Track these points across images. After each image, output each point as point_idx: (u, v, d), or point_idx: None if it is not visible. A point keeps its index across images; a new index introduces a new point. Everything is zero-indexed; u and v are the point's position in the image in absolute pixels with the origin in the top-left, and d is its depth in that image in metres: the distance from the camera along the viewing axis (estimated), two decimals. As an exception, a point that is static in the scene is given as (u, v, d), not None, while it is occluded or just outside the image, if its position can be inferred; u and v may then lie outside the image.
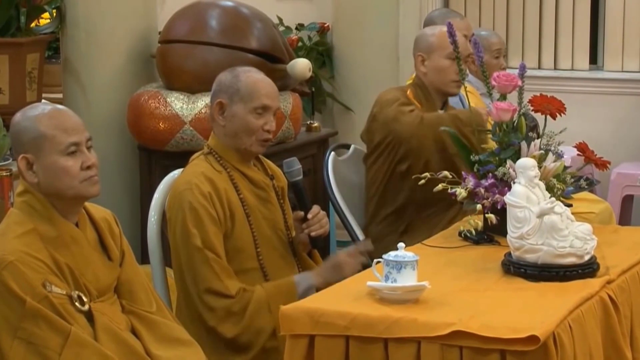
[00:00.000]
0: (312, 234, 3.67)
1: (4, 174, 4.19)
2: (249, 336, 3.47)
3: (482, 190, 3.67)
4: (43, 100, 5.36)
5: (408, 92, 4.39)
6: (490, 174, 3.70)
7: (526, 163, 3.44)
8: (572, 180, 3.75)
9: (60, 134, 2.90)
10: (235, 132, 3.60)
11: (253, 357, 3.48)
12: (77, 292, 2.91)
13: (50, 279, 2.86)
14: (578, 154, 3.90)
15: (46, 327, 2.80)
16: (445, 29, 4.34)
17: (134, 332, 3.03)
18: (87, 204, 3.03)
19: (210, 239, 3.47)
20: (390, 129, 4.32)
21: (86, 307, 2.92)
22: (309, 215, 3.68)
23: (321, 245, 3.77)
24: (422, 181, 3.90)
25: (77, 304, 2.90)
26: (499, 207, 3.61)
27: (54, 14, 5.49)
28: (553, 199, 3.39)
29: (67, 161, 2.91)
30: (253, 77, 3.63)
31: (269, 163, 3.78)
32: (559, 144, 3.76)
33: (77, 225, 2.99)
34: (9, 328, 2.80)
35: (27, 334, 2.79)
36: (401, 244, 3.15)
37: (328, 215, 3.78)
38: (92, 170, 2.94)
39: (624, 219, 6.09)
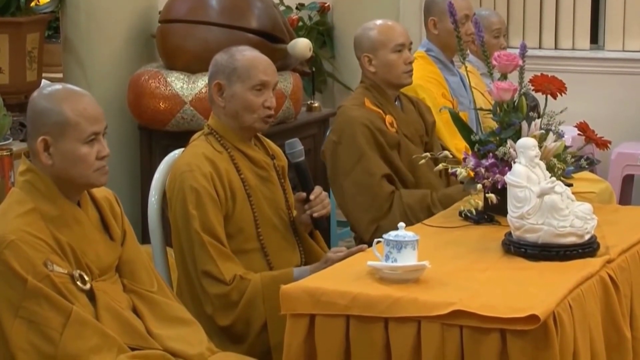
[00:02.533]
0: (315, 214, 3.67)
1: (5, 153, 4.19)
2: (241, 326, 3.48)
3: (483, 170, 3.67)
4: (44, 81, 5.36)
5: (365, 101, 4.25)
6: (490, 154, 3.70)
7: (527, 143, 3.44)
8: (573, 159, 3.75)
9: (84, 122, 2.91)
10: (236, 112, 3.60)
11: (248, 346, 3.47)
12: (78, 271, 2.92)
13: (52, 258, 2.86)
14: (578, 134, 3.90)
15: (48, 306, 2.81)
16: (382, 21, 4.35)
17: (135, 311, 3.04)
18: None
19: (210, 221, 3.47)
20: (355, 188, 4.17)
21: (87, 286, 2.92)
22: (311, 196, 3.67)
23: (324, 226, 3.77)
24: (422, 161, 3.91)
25: (78, 283, 2.90)
26: (499, 187, 3.62)
27: (54, -6, 5.48)
28: (553, 178, 3.39)
29: (85, 149, 2.91)
30: (249, 55, 3.62)
31: (269, 143, 3.78)
32: (559, 124, 3.75)
33: (79, 204, 2.99)
34: (11, 307, 2.80)
35: (28, 313, 2.80)
36: (401, 224, 3.15)
37: (329, 196, 3.78)
38: (104, 160, 2.96)
39: (624, 199, 6.10)
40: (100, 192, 3.08)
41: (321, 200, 3.67)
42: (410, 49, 4.32)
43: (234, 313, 3.47)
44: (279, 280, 3.44)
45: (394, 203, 4.14)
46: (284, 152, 3.77)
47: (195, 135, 3.69)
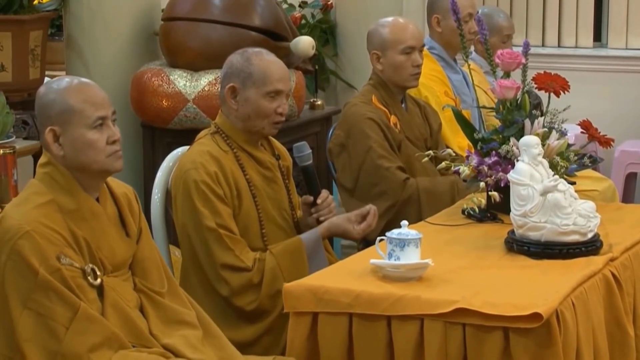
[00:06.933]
0: (322, 218, 3.68)
1: (8, 151, 4.19)
2: (267, 303, 3.50)
3: (486, 168, 3.67)
4: (47, 78, 5.36)
5: (373, 98, 4.27)
6: (493, 152, 3.70)
7: (530, 141, 3.43)
8: (576, 158, 3.75)
9: (88, 108, 2.91)
10: (247, 116, 3.60)
11: (270, 323, 3.50)
12: (91, 265, 2.91)
13: (66, 251, 2.86)
14: (582, 132, 3.90)
15: (56, 299, 2.81)
16: (397, 20, 4.34)
17: (142, 310, 3.04)
18: (109, 178, 3.04)
19: (219, 214, 3.49)
20: (368, 180, 4.18)
21: (98, 281, 2.92)
22: (318, 200, 3.68)
23: None
24: (426, 159, 3.91)
25: (89, 278, 2.90)
26: (502, 185, 3.62)
27: (57, -9, 5.48)
28: (556, 176, 3.39)
29: (94, 135, 2.91)
30: (265, 61, 3.61)
31: (275, 142, 3.78)
32: (562, 122, 3.75)
33: (97, 199, 2.99)
34: (20, 297, 2.80)
35: (37, 305, 2.80)
36: (404, 222, 3.15)
37: (331, 193, 3.78)
38: (116, 145, 2.95)
39: (628, 197, 6.10)
40: (120, 188, 3.08)
41: (328, 204, 3.69)
42: (421, 51, 4.30)
43: (259, 294, 3.48)
44: (290, 247, 3.53)
45: (409, 188, 4.13)
46: (290, 152, 3.77)
47: (202, 133, 3.69)
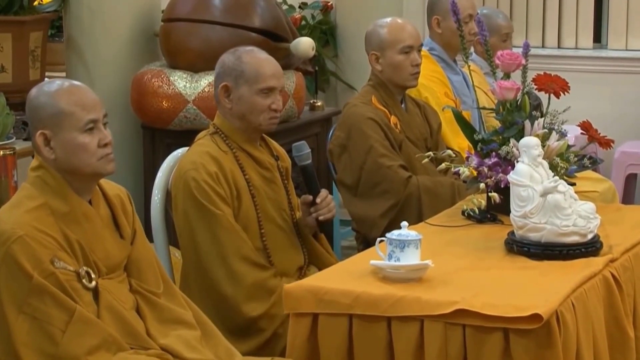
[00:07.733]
0: (321, 218, 3.67)
1: (8, 152, 4.19)
2: (265, 319, 3.48)
3: (486, 169, 3.67)
4: (46, 79, 5.36)
5: (372, 99, 4.28)
6: (493, 153, 3.70)
7: (530, 142, 3.43)
8: (576, 159, 3.75)
9: (79, 111, 2.90)
10: (242, 114, 3.61)
11: (265, 340, 3.48)
12: (85, 268, 2.91)
13: (59, 254, 2.85)
14: (582, 133, 3.90)
15: (52, 303, 2.80)
16: (395, 20, 4.35)
17: (139, 311, 3.03)
18: (101, 180, 3.04)
19: (225, 212, 3.48)
20: (370, 179, 4.19)
21: (93, 283, 2.92)
22: (318, 199, 3.68)
23: (328, 229, 3.78)
24: (426, 160, 3.91)
25: (84, 280, 2.89)
26: (502, 186, 3.62)
27: (57, -8, 5.47)
28: (556, 177, 3.39)
29: (85, 138, 2.90)
30: (256, 58, 3.62)
31: (273, 143, 3.78)
32: (562, 123, 3.75)
33: (90, 202, 2.98)
34: (15, 302, 2.80)
35: (32, 309, 2.79)
36: (404, 223, 3.16)
37: (331, 193, 3.78)
38: (108, 148, 2.94)
39: (628, 198, 6.10)
40: (113, 190, 3.08)
41: (327, 203, 3.68)
42: (419, 51, 4.31)
43: (266, 304, 3.47)
44: None
45: (411, 186, 4.13)
46: (289, 152, 3.77)
47: (201, 134, 3.69)
